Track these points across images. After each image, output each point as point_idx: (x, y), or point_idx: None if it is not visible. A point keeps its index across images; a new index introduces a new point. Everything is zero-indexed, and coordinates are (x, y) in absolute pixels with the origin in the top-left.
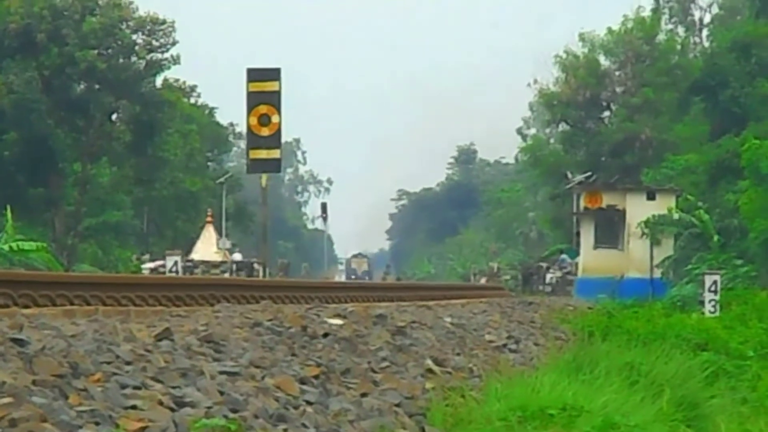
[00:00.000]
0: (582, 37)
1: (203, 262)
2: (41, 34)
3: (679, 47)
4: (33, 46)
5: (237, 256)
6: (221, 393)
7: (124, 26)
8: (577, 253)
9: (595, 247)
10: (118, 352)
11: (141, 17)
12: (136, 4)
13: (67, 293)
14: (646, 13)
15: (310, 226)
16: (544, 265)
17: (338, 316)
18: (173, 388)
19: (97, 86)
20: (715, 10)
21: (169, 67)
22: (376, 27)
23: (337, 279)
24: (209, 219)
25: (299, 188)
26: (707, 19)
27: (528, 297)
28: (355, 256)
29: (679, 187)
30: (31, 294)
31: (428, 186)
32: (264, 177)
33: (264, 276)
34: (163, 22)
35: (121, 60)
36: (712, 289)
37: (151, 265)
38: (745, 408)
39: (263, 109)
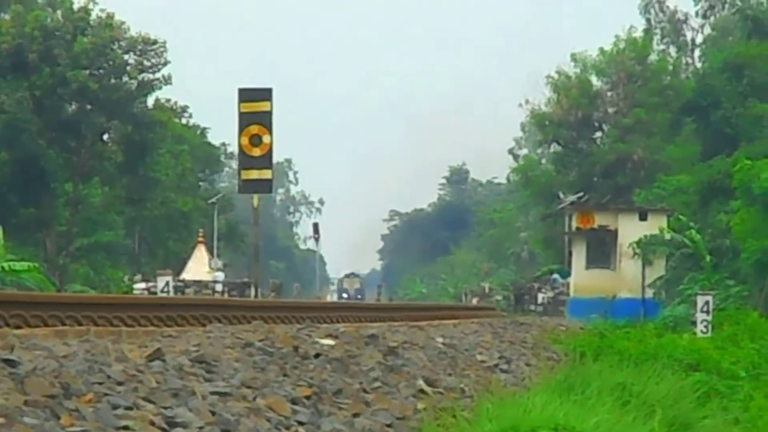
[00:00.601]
0: (574, 58)
1: (195, 282)
2: (32, 54)
3: (670, 68)
4: (24, 67)
5: (219, 276)
6: (213, 413)
7: (115, 46)
8: (569, 273)
9: (587, 268)
10: (109, 373)
11: (132, 37)
12: (128, 25)
13: (58, 314)
14: (638, 33)
15: (302, 246)
16: (536, 285)
17: (330, 336)
18: (165, 408)
19: (88, 106)
20: (707, 30)
21: (160, 88)
22: (367, 48)
23: (329, 299)
24: (201, 239)
25: (291, 208)
26: (699, 39)
27: (520, 317)
28: (347, 275)
29: (671, 207)
30: (22, 314)
31: (420, 206)
32: (255, 197)
33: (256, 296)
34: (155, 42)
35: (112, 80)
36: (704, 309)
37: (143, 285)
38: (737, 428)
39: (255, 129)
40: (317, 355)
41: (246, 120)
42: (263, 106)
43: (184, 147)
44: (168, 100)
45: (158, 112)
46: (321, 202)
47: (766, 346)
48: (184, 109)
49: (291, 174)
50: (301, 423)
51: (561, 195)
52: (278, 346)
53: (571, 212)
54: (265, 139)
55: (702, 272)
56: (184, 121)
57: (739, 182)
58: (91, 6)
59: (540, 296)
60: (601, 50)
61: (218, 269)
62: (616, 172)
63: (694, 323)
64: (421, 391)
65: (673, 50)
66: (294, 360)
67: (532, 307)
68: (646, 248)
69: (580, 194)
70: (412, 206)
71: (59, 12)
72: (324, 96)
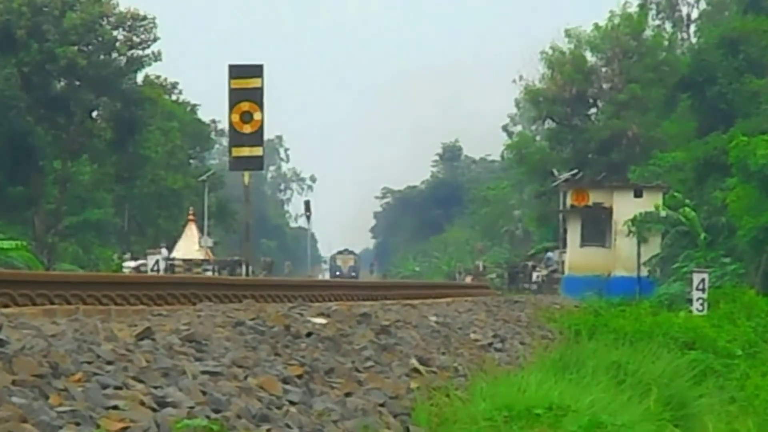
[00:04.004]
0: (568, 33)
1: (185, 260)
2: (21, 30)
3: (666, 43)
4: (12, 43)
5: (164, 253)
6: (203, 393)
7: (104, 22)
8: (556, 248)
9: (582, 245)
10: (98, 352)
11: (122, 13)
12: (117, 0)
13: (47, 292)
14: (633, 8)
15: (293, 224)
16: (530, 263)
17: (322, 315)
18: (155, 388)
19: (77, 83)
20: (702, 5)
21: (150, 64)
22: (360, 22)
23: (320, 278)
24: (191, 217)
25: (282, 186)
26: (695, 14)
27: (514, 295)
28: (340, 252)
29: (667, 184)
30: (10, 293)
31: (413, 184)
32: (246, 175)
33: (247, 274)
34: (144, 18)
35: (101, 56)
36: (700, 287)
37: (133, 264)
38: (733, 407)
39: (245, 106)
40: (309, 334)
41: (236, 97)
42: (254, 83)
43: (174, 124)
44: (158, 77)
45: (148, 89)
46: (313, 179)
47: (762, 324)
48: (174, 85)
49: (282, 151)
50: (292, 402)
51: (555, 172)
52: (269, 325)
53: (565, 189)
54: (256, 115)
55: (697, 250)
56: (173, 97)
57: (735, 159)
58: None
59: (534, 274)
60: (596, 26)
61: (163, 246)
62: (611, 148)
63: (690, 301)
64: (415, 370)
65: (668, 25)
66: (285, 339)
67: (527, 286)
68: (641, 226)
69: (575, 171)
70: (405, 183)
71: None
72: (316, 72)
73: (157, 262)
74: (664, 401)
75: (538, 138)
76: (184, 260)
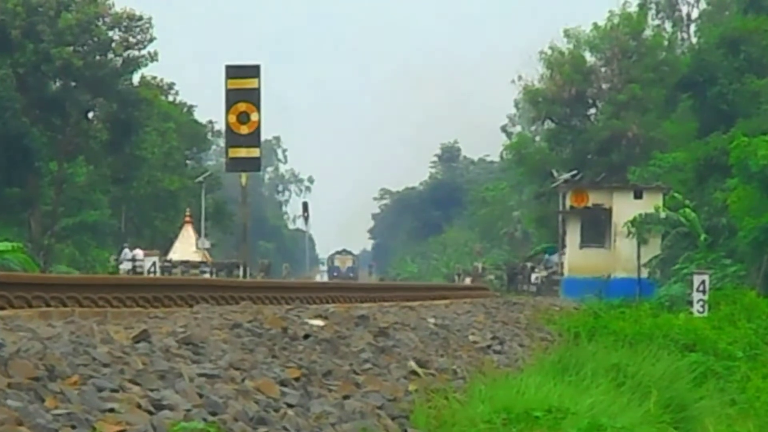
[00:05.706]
0: (567, 33)
1: (182, 262)
2: (16, 30)
3: (666, 43)
4: (7, 43)
5: (138, 254)
6: (200, 396)
7: (100, 23)
8: (556, 250)
9: (582, 247)
10: (95, 355)
11: (117, 13)
12: (113, 0)
13: (43, 294)
14: (633, 8)
15: (291, 225)
16: (529, 264)
17: (319, 317)
18: (151, 390)
19: (73, 84)
20: (702, 5)
21: (146, 64)
22: (358, 22)
23: (318, 279)
24: (188, 219)
25: (280, 187)
26: (695, 14)
27: (513, 297)
28: (338, 252)
29: (667, 185)
30: (6, 295)
31: (411, 185)
32: (244, 176)
33: (244, 276)
34: (140, 18)
35: (97, 57)
36: (701, 288)
37: (128, 266)
38: (734, 409)
39: (242, 106)
40: (306, 336)
41: (233, 97)
42: (251, 83)
43: (170, 125)
44: (154, 77)
45: (144, 90)
46: (311, 180)
47: (763, 326)
48: (171, 86)
49: (280, 152)
50: (290, 405)
51: (555, 173)
52: (267, 327)
53: (565, 191)
54: (253, 116)
55: (698, 251)
56: (170, 98)
57: (735, 159)
58: None
59: (533, 276)
60: (595, 25)
61: (125, 246)
62: (611, 149)
63: (690, 303)
64: (413, 372)
65: (668, 25)
66: (283, 341)
67: (526, 287)
68: (641, 227)
69: (574, 172)
70: (404, 184)
71: None
72: (314, 73)
73: (154, 263)
74: (664, 403)
75: (537, 139)
76: (181, 262)
